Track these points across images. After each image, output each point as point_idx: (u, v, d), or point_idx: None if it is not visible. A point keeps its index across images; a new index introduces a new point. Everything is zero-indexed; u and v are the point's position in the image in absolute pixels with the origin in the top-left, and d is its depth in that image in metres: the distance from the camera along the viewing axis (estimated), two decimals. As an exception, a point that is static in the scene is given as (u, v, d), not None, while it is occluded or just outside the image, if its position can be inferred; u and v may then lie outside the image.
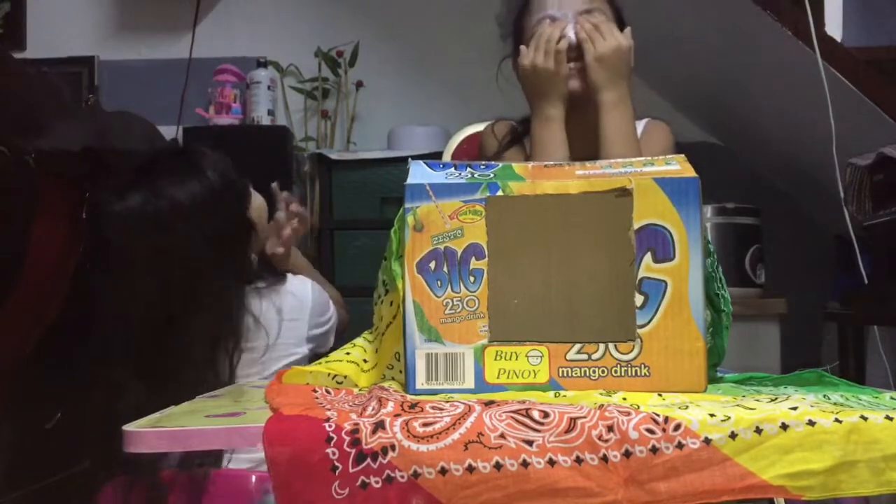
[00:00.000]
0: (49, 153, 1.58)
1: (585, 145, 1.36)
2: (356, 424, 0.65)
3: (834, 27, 2.43)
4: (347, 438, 0.64)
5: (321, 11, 2.88)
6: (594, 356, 0.78)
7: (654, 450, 0.63)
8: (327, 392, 0.78)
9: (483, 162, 0.93)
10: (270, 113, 2.71)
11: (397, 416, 0.66)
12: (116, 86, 2.84)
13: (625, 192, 0.78)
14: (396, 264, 0.82)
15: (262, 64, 2.73)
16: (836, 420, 0.65)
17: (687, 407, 0.68)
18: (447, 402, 0.70)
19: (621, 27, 1.42)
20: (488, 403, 0.68)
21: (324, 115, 2.83)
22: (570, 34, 1.35)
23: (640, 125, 1.47)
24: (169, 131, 2.57)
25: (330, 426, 0.65)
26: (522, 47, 1.39)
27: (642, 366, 0.78)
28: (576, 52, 1.36)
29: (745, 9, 1.95)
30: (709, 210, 2.18)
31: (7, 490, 1.46)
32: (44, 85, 2.06)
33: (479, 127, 1.76)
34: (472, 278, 0.79)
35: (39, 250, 1.53)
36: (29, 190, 1.53)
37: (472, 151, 1.83)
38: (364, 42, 2.79)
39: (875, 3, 2.65)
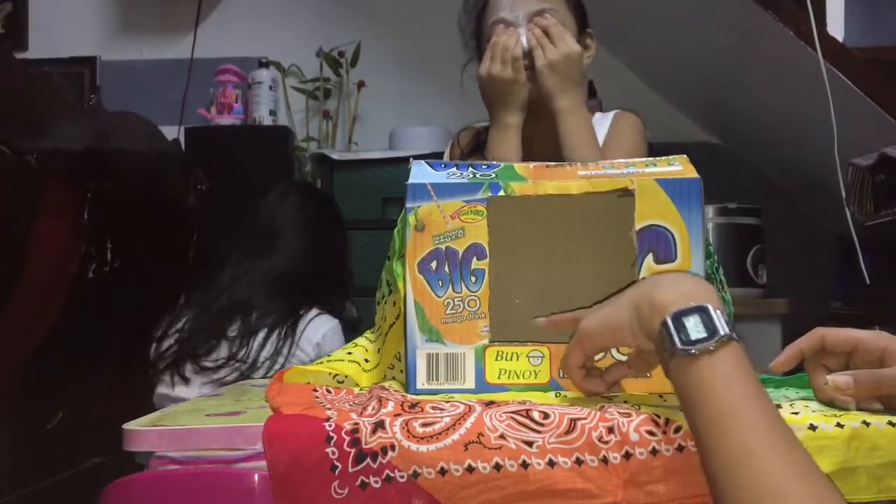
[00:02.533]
0: (51, 153, 1.59)
1: (546, 149, 1.35)
2: (356, 424, 0.65)
3: (836, 27, 2.43)
4: (347, 438, 0.64)
5: (323, 12, 2.88)
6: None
7: (654, 452, 0.63)
8: (328, 391, 0.78)
9: (485, 162, 0.93)
10: (272, 113, 2.70)
11: (397, 415, 0.66)
12: (118, 86, 2.84)
13: (626, 193, 0.77)
14: (398, 264, 0.82)
15: (263, 64, 2.73)
16: (838, 425, 0.64)
17: (688, 408, 0.68)
18: (447, 402, 0.70)
19: (583, 28, 1.41)
20: (489, 404, 0.68)
21: (325, 116, 2.83)
22: (522, 40, 1.34)
23: (609, 116, 1.46)
24: (170, 131, 2.57)
25: (330, 426, 0.65)
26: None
27: (643, 366, 0.78)
28: (528, 57, 1.35)
29: (746, 9, 1.95)
30: (710, 210, 2.18)
31: (7, 490, 1.46)
32: (46, 85, 2.06)
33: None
34: (473, 278, 0.79)
35: (41, 250, 1.54)
36: (30, 190, 1.54)
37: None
38: (366, 42, 2.79)
39: (877, 2, 2.65)
